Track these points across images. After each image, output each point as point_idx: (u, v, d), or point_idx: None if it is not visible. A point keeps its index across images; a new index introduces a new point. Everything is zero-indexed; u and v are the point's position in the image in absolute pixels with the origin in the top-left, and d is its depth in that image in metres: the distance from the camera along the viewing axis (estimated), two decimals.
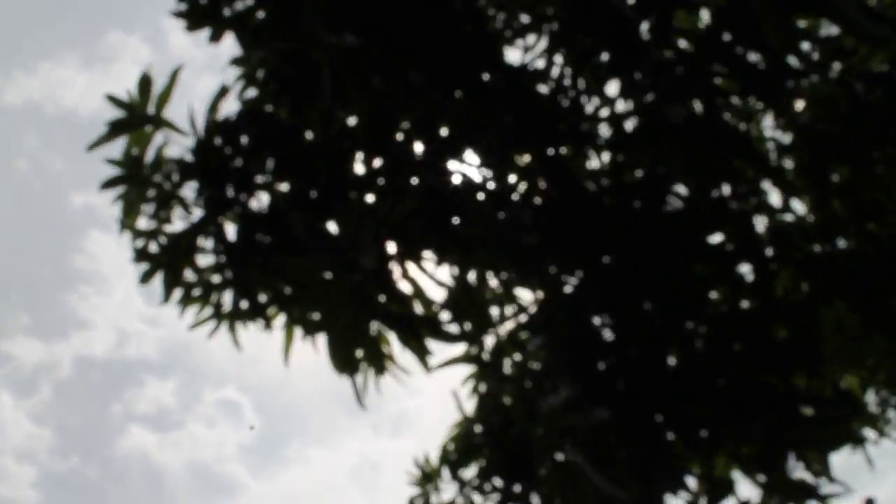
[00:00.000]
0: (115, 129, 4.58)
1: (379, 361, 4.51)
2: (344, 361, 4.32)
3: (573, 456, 3.55)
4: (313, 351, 4.51)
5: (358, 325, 4.25)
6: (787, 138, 5.76)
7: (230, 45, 4.59)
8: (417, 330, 4.23)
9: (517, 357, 4.64)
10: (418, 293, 4.28)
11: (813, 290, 4.20)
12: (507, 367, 4.72)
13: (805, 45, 6.20)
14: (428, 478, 5.10)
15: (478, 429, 4.85)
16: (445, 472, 5.02)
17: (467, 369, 5.06)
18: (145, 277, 4.62)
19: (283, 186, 4.45)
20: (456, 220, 4.21)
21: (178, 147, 4.62)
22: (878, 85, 5.47)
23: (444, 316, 4.39)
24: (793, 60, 4.28)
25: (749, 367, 3.75)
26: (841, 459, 6.08)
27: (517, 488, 4.51)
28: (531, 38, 4.38)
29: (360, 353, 4.32)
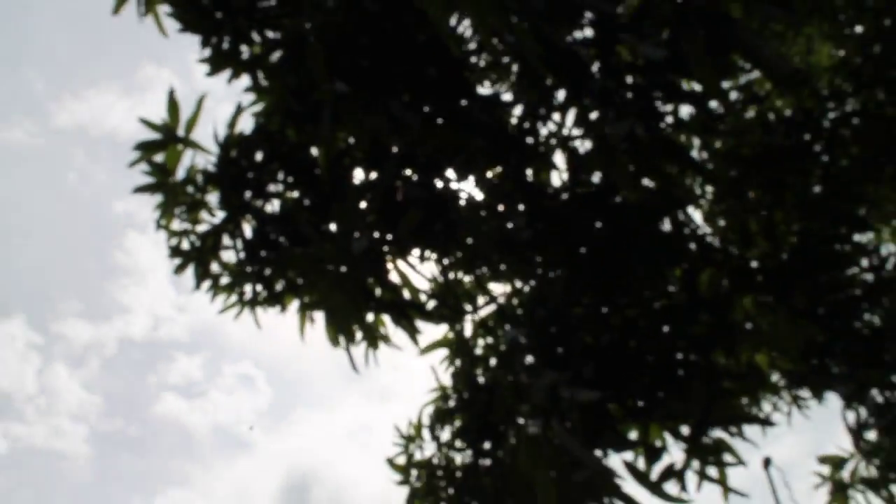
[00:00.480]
0: (151, 147, 4.85)
1: (372, 338, 4.75)
2: (336, 337, 4.49)
3: (536, 422, 3.71)
4: (316, 330, 4.85)
5: (351, 307, 4.40)
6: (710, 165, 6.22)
7: (246, 78, 4.98)
8: (406, 312, 4.48)
9: (488, 340, 4.88)
10: (406, 283, 4.51)
11: (730, 287, 4.55)
12: (478, 348, 4.96)
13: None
14: (411, 438, 5.27)
15: (452, 398, 5.04)
16: (426, 434, 5.21)
17: (445, 349, 5.28)
18: (178, 270, 4.87)
19: (292, 193, 4.69)
20: (437, 224, 4.43)
21: (203, 161, 4.86)
22: (786, 126, 5.97)
23: (429, 302, 4.67)
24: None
25: (679, 347, 4.00)
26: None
27: (486, 445, 4.69)
28: (499, 74, 4.81)
29: (355, 330, 4.47)
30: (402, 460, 5.28)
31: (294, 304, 4.86)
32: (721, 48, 3.47)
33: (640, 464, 3.84)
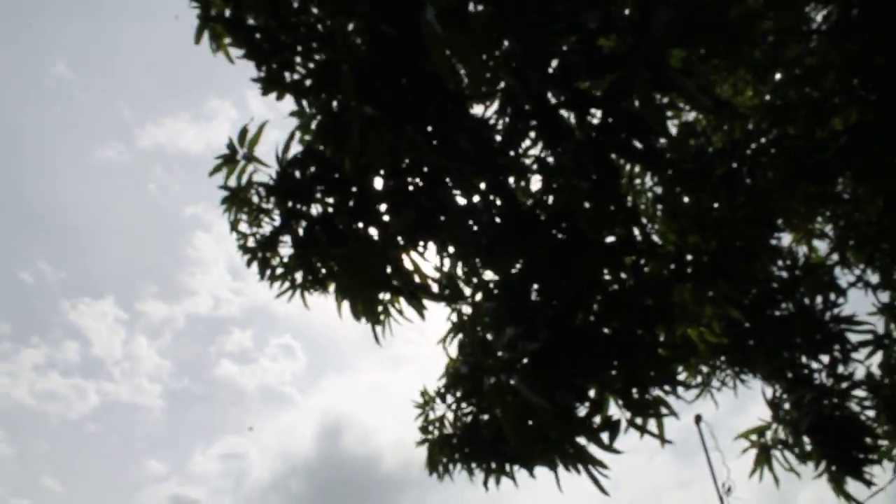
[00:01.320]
0: (223, 162, 5.43)
1: (387, 313, 5.22)
2: (359, 313, 4.93)
3: (508, 378, 3.98)
4: (344, 307, 5.09)
5: (371, 290, 4.87)
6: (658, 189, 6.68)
7: (289, 103, 5.15)
8: (416, 294, 4.83)
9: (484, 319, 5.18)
10: (417, 269, 4.83)
11: (669, 274, 4.91)
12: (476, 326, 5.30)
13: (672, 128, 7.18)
14: (427, 402, 5.79)
15: (458, 367, 5.49)
16: (438, 399, 5.71)
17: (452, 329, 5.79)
18: (248, 263, 5.36)
19: (331, 199, 5.05)
20: (433, 222, 4.77)
21: (263, 175, 5.36)
22: (717, 154, 6.50)
23: (435, 287, 4.92)
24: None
25: (626, 322, 4.35)
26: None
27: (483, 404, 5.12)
28: (488, 102, 4.87)
29: (373, 309, 4.94)
30: (421, 420, 5.76)
31: (331, 288, 5.18)
32: (662, 87, 3.64)
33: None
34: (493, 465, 4.93)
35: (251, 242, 5.41)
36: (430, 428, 5.66)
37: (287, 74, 4.93)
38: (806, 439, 6.54)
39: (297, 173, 5.07)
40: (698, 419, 5.74)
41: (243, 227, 5.45)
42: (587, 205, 4.36)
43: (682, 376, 6.50)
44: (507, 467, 4.80)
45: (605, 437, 3.91)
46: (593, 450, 3.83)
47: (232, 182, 5.45)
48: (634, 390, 4.31)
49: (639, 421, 4.35)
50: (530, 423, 3.99)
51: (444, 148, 4.63)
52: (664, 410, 4.36)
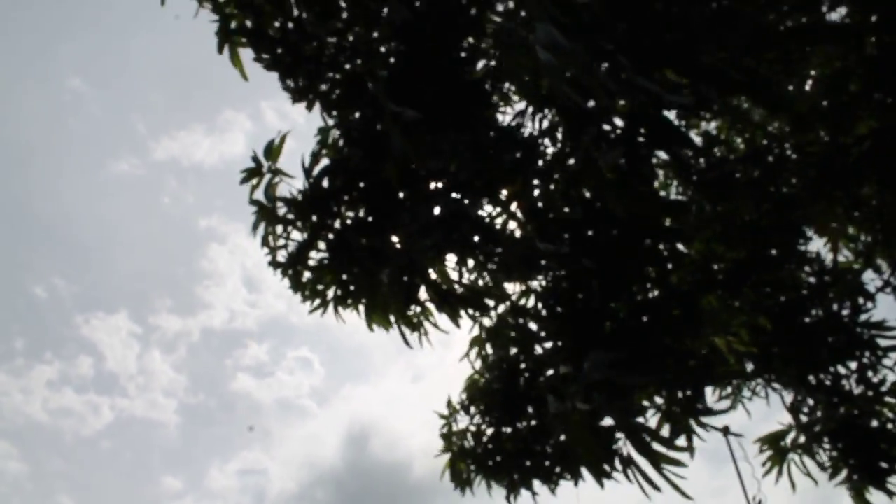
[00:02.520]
0: (249, 175, 5.23)
1: (417, 324, 5.06)
2: (386, 325, 4.90)
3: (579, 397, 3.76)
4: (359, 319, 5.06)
5: (398, 305, 4.80)
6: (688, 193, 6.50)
7: (302, 114, 5.29)
8: (448, 300, 4.75)
9: (510, 332, 5.15)
10: (445, 279, 4.77)
11: (696, 285, 4.80)
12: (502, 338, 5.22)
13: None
14: (451, 413, 5.60)
15: (483, 381, 5.36)
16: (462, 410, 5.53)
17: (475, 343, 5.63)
18: (282, 277, 5.19)
19: (362, 208, 4.93)
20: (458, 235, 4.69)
21: (289, 188, 5.16)
22: (740, 162, 6.29)
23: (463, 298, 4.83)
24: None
25: (656, 332, 4.22)
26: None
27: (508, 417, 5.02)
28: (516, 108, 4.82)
29: (398, 321, 4.86)
30: (445, 431, 5.58)
31: (362, 303, 5.05)
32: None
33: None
34: (516, 479, 4.72)
35: (280, 257, 5.22)
36: (454, 439, 5.26)
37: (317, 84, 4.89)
38: (827, 446, 6.24)
39: (326, 183, 4.92)
40: (726, 431, 5.51)
41: (271, 241, 5.28)
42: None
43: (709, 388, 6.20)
44: (529, 481, 4.59)
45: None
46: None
47: (258, 195, 5.28)
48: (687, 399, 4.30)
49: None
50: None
51: (482, 153, 4.56)
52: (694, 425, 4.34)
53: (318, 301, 5.17)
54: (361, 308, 5.08)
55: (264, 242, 5.20)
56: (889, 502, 6.13)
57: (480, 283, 4.89)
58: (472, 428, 5.38)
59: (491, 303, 4.83)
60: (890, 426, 6.15)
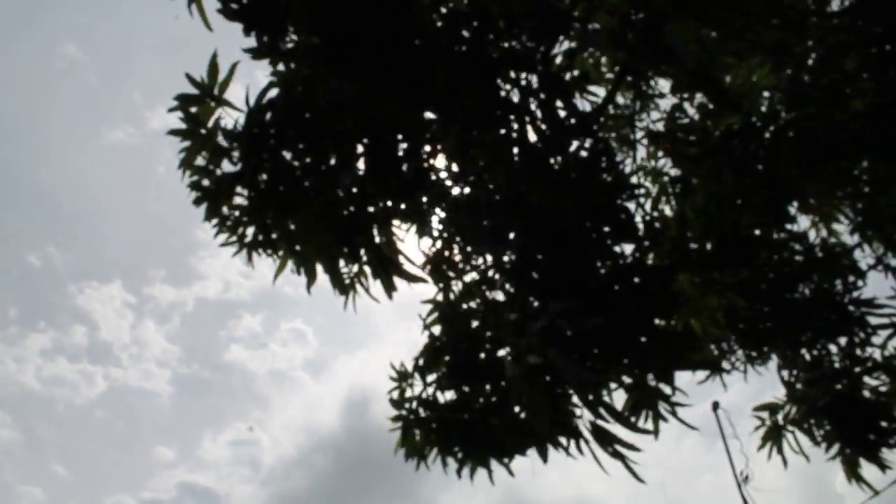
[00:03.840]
0: (187, 100, 4.68)
1: (347, 285, 4.62)
2: (306, 273, 4.46)
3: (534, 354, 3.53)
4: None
5: (333, 257, 4.34)
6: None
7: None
8: (387, 269, 4.35)
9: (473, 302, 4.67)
10: (391, 245, 4.38)
11: (671, 265, 4.63)
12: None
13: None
14: (404, 377, 5.04)
15: (440, 345, 4.71)
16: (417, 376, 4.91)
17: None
18: (196, 202, 4.67)
19: (303, 157, 4.44)
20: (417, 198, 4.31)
21: (231, 120, 4.62)
22: (731, 135, 6.03)
23: (418, 267, 4.49)
24: None
25: (631, 312, 3.82)
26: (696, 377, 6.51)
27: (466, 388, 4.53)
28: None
29: (339, 277, 4.40)
30: (396, 395, 5.07)
31: (282, 251, 4.65)
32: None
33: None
34: (467, 453, 4.49)
35: (206, 182, 4.71)
36: (406, 406, 4.95)
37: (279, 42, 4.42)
38: (821, 421, 6.07)
39: (268, 120, 4.41)
40: (715, 406, 5.34)
41: (200, 163, 4.75)
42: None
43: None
44: (487, 458, 4.36)
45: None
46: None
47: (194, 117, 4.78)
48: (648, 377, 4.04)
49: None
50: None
51: (443, 104, 4.17)
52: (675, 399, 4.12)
53: (233, 239, 4.73)
54: (281, 255, 4.65)
55: (184, 164, 4.71)
56: (880, 475, 5.99)
57: (446, 253, 4.55)
58: (427, 396, 4.86)
59: (453, 274, 4.54)
60: (882, 399, 5.98)
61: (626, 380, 3.91)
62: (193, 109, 4.71)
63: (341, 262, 4.40)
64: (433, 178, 4.27)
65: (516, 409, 4.14)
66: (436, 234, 4.48)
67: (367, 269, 4.56)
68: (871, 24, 5.42)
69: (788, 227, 5.26)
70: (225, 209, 4.62)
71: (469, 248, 4.42)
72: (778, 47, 5.47)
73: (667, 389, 4.00)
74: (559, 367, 3.33)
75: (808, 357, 5.98)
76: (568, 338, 3.65)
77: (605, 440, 3.42)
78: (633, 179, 5.33)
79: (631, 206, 4.34)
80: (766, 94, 6.01)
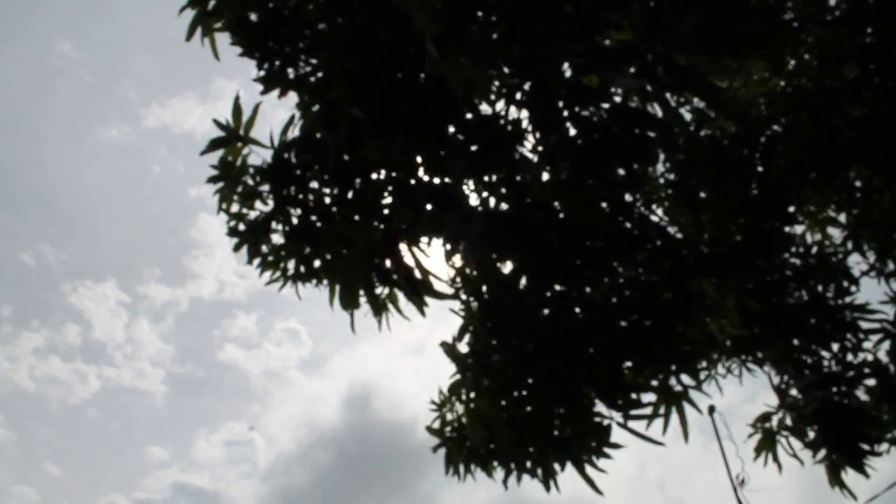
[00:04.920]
0: (216, 143, 4.78)
1: (382, 307, 4.69)
2: (347, 303, 4.49)
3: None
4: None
5: (362, 280, 4.39)
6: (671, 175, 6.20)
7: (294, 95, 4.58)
8: (417, 289, 4.38)
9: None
10: (419, 265, 4.41)
11: (687, 268, 4.55)
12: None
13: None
14: (443, 404, 4.95)
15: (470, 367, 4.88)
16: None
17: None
18: (236, 248, 4.80)
19: (330, 190, 4.57)
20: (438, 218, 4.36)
21: (259, 157, 4.77)
22: (730, 142, 6.00)
23: (446, 285, 4.49)
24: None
25: (646, 316, 3.96)
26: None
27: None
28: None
29: (361, 299, 4.46)
30: (437, 424, 5.00)
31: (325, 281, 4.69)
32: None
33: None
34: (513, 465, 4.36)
35: (241, 226, 4.84)
36: (447, 431, 4.86)
37: (290, 70, 4.50)
38: (813, 427, 6.00)
39: (293, 158, 4.55)
40: (711, 410, 5.24)
41: (234, 208, 4.88)
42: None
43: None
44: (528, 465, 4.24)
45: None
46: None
47: (224, 161, 4.85)
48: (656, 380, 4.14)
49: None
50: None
51: (442, 146, 4.30)
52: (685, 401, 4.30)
53: (277, 274, 4.84)
54: (324, 285, 4.73)
55: (222, 208, 4.82)
56: (880, 477, 5.94)
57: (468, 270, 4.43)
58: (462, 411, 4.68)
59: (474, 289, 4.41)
60: (870, 408, 5.94)
61: (653, 383, 4.02)
62: (221, 152, 4.81)
63: (377, 287, 4.50)
64: (453, 196, 4.35)
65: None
66: (460, 249, 4.48)
67: (397, 291, 4.66)
68: (866, 34, 5.40)
69: (788, 230, 5.16)
70: (264, 247, 4.77)
71: (485, 260, 4.27)
72: (775, 54, 5.45)
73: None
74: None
75: (799, 362, 5.88)
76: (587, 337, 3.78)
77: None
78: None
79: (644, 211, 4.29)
80: (760, 99, 6.00)
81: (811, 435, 6.03)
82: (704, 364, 5.76)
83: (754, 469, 5.73)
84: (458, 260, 4.51)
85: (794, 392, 6.08)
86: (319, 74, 4.38)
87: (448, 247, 4.59)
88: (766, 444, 6.19)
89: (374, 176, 4.50)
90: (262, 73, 4.50)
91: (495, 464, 4.49)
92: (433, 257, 4.65)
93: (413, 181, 4.44)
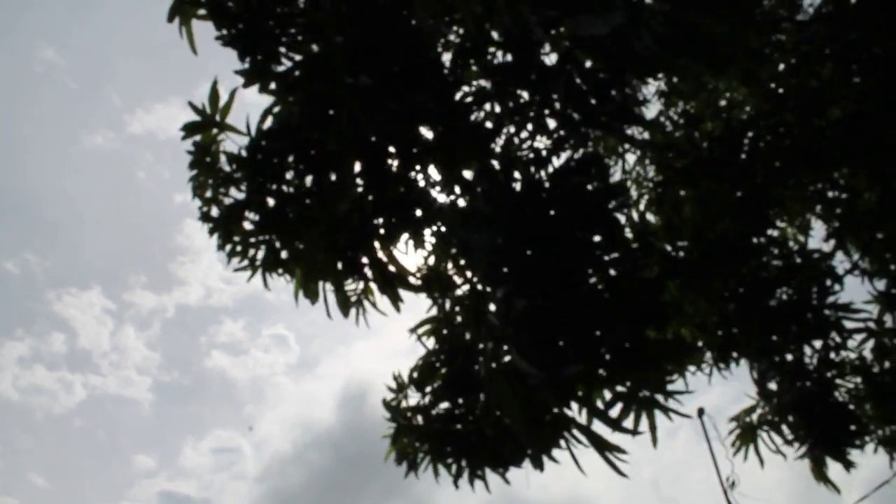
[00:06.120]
0: (191, 127, 4.64)
1: (349, 301, 4.55)
2: (313, 293, 4.36)
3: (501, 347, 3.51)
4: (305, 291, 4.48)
5: (337, 275, 4.26)
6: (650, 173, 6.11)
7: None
8: (392, 283, 4.25)
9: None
10: (393, 260, 4.25)
11: (660, 272, 4.46)
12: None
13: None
14: (400, 388, 4.97)
15: (436, 359, 4.64)
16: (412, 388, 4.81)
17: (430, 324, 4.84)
18: (210, 233, 4.63)
19: (305, 179, 4.39)
20: (419, 213, 4.23)
21: (235, 146, 4.56)
22: (712, 143, 5.87)
23: (417, 280, 4.39)
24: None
25: (618, 322, 3.92)
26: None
27: (461, 399, 4.47)
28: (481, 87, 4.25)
29: (321, 288, 4.33)
30: (393, 403, 4.95)
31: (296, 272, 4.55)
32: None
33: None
34: (463, 464, 4.29)
35: (214, 211, 4.69)
36: (402, 414, 4.80)
37: (272, 66, 4.27)
38: (791, 420, 5.92)
39: (269, 146, 4.38)
40: (700, 413, 5.15)
41: (208, 194, 4.76)
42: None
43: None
44: (482, 468, 4.17)
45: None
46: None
47: (200, 146, 4.75)
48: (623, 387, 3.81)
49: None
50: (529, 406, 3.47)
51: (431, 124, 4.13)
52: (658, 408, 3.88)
53: (245, 262, 4.67)
54: (294, 275, 4.59)
55: (196, 193, 4.71)
56: (845, 475, 5.88)
57: (441, 266, 4.35)
58: (423, 405, 4.69)
59: (448, 286, 4.32)
60: (850, 406, 5.86)
61: (620, 389, 3.77)
62: (197, 137, 4.69)
63: (348, 281, 4.39)
64: (425, 190, 4.18)
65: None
66: (429, 247, 4.36)
67: (372, 285, 4.55)
68: (846, 32, 5.26)
69: (769, 232, 5.05)
70: (237, 235, 4.60)
71: (461, 262, 4.24)
72: (755, 55, 5.29)
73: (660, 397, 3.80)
74: (518, 364, 3.24)
75: (781, 359, 5.81)
76: (551, 341, 3.53)
77: (599, 445, 3.24)
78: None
79: (620, 215, 4.15)
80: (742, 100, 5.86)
81: (787, 430, 5.98)
82: (673, 373, 5.65)
83: (748, 471, 5.68)
84: (426, 256, 4.46)
85: (772, 386, 6.02)
86: (309, 58, 4.22)
87: (416, 243, 4.48)
88: (746, 438, 6.11)
89: (348, 166, 4.32)
90: (245, 65, 4.31)
91: (449, 461, 4.46)
92: (406, 252, 4.52)
93: (386, 170, 4.30)
